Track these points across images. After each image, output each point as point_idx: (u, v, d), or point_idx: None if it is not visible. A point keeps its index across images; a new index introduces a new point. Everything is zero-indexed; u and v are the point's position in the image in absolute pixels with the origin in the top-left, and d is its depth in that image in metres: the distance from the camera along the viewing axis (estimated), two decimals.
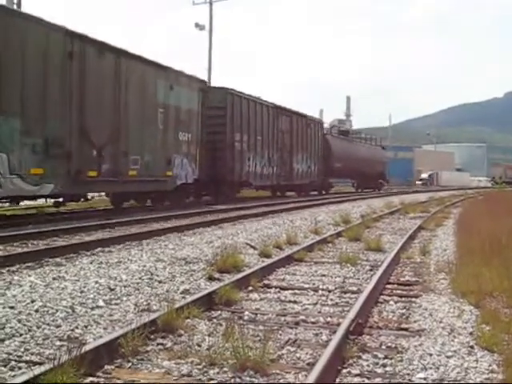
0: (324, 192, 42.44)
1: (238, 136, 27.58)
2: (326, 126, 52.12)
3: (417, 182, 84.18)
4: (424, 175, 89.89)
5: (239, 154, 27.84)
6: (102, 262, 9.27)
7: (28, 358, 4.65)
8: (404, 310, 6.56)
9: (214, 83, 35.08)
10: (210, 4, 42.19)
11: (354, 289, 7.70)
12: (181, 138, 22.63)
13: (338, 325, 5.53)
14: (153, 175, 20.58)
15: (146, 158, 20.09)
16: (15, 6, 24.26)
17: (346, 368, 4.60)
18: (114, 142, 18.30)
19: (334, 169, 43.24)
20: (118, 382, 4.20)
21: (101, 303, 6.57)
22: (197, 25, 41.94)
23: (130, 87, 19.08)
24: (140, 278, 8.00)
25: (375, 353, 4.94)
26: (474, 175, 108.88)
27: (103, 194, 24.37)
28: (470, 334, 5.50)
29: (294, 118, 35.48)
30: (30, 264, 9.03)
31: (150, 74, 20.50)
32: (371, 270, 9.12)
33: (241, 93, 28.39)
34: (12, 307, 6.13)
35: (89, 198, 20.38)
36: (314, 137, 39.14)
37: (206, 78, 33.90)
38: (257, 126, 29.76)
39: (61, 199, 17.98)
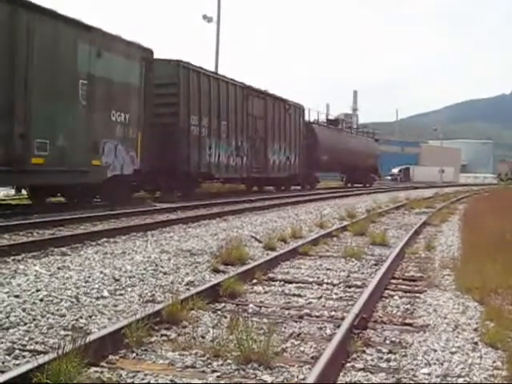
0: (309, 187, 38.32)
1: (195, 119, 23.38)
2: (330, 118, 51.43)
3: (386, 177, 73.23)
4: (394, 170, 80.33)
5: (197, 141, 23.52)
6: (107, 253, 9.29)
7: (32, 347, 4.65)
8: (408, 306, 6.55)
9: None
10: None
11: (359, 283, 7.68)
12: (114, 119, 17.91)
13: (343, 319, 5.52)
14: (71, 164, 16.22)
15: (60, 142, 15.83)
16: None
17: (349, 362, 4.59)
18: (7, 121, 14.18)
19: (321, 161, 39.28)
20: (122, 372, 4.20)
21: (105, 293, 6.58)
22: (204, 17, 41.80)
23: (34, 49, 14.74)
24: (145, 269, 8.01)
25: (379, 347, 4.93)
26: (479, 172, 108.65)
27: None
28: (475, 330, 5.49)
29: (270, 102, 31.17)
30: (35, 253, 9.05)
31: (67, 34, 16.04)
32: (376, 265, 9.11)
33: (199, 68, 24.22)
34: (17, 296, 6.15)
35: None
36: (294, 124, 34.84)
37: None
38: (221, 108, 25.43)
39: None
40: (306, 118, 39.37)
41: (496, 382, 4.30)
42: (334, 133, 43.90)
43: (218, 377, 4.19)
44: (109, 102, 17.73)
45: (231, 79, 26.82)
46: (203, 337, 5.04)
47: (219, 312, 5.98)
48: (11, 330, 5.02)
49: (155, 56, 20.71)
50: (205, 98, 24.20)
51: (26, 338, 4.84)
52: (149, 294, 6.69)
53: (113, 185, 18.12)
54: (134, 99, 19.13)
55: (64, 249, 9.62)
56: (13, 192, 20.91)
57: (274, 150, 31.67)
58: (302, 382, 4.09)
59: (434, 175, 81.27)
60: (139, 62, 19.28)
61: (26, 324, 5.24)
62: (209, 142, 24.61)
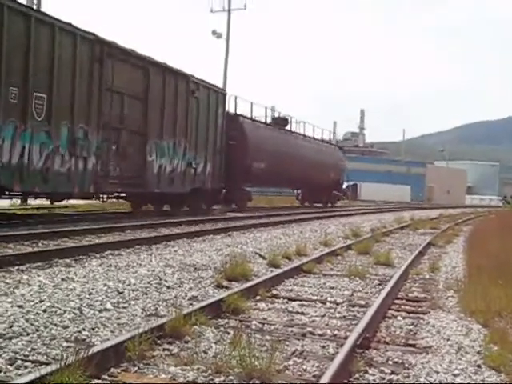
0: (235, 206, 28.36)
1: None
2: (338, 138, 49.11)
3: None
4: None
5: None
6: (111, 265, 9.30)
7: (34, 358, 4.65)
8: (412, 326, 6.53)
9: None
10: (228, 12, 42.31)
11: (362, 302, 7.67)
12: None
13: (346, 338, 5.51)
14: None
15: None
16: (35, 7, 24.44)
17: (352, 382, 4.58)
18: None
19: (253, 171, 28.43)
20: None
21: (109, 306, 6.58)
22: (214, 32, 42.06)
23: None
24: (148, 283, 8.01)
25: (382, 368, 4.91)
26: (485, 194, 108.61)
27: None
28: (478, 352, 5.47)
29: (157, 75, 20.13)
30: (39, 264, 9.06)
31: None
32: (380, 285, 9.09)
33: None
34: (20, 306, 6.16)
35: None
36: (206, 114, 23.58)
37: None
38: (32, 69, 14.57)
39: None
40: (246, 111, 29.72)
41: None
42: (275, 133, 32.72)
43: None
44: None
45: (67, 23, 15.90)
46: (206, 352, 5.03)
47: (222, 328, 5.97)
48: (14, 340, 5.02)
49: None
50: None
51: (29, 349, 4.83)
52: (152, 307, 6.68)
53: None
54: None
55: (68, 260, 9.63)
56: (19, 202, 20.99)
57: (161, 150, 20.58)
58: None
59: (387, 193, 74.91)
60: None
61: (28, 334, 5.24)
62: None
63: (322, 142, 41.75)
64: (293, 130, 36.60)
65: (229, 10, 42.39)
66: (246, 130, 28.14)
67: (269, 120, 34.54)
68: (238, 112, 28.78)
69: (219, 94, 24.94)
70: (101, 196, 19.27)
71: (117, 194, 20.50)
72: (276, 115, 36.52)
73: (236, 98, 28.20)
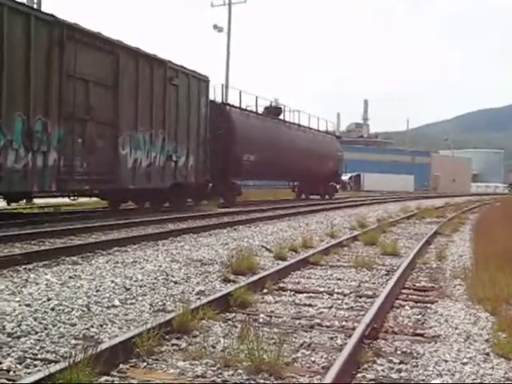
0: (222, 200, 26.05)
1: None
2: (342, 129, 48.36)
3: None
4: (345, 177, 62.32)
5: None
6: (117, 262, 9.31)
7: (43, 356, 4.66)
8: (419, 316, 6.52)
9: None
10: (229, 6, 42.23)
11: (370, 293, 7.66)
12: None
13: (353, 329, 5.51)
14: None
15: None
16: (35, 6, 24.40)
17: (360, 372, 4.57)
18: None
19: (243, 164, 27.03)
20: (133, 381, 4.20)
21: (116, 302, 6.58)
22: (215, 27, 41.98)
23: None
24: (155, 279, 8.02)
25: (390, 358, 4.91)
26: (490, 181, 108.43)
27: None
28: (486, 340, 5.46)
29: (129, 60, 18.46)
30: (46, 262, 9.07)
31: None
32: (387, 275, 9.09)
33: None
34: (28, 305, 6.16)
35: None
36: (187, 104, 21.73)
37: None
38: None
39: None
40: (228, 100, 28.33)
41: None
42: (267, 123, 30.90)
43: None
44: None
45: (19, 3, 14.63)
46: (214, 346, 5.04)
47: (230, 322, 5.98)
48: (22, 339, 5.03)
49: None
50: None
51: (38, 347, 4.84)
52: (159, 303, 6.69)
53: None
54: None
55: (75, 258, 9.64)
56: (23, 201, 20.99)
57: (136, 143, 18.88)
58: None
59: (391, 183, 74.27)
60: None
61: (37, 333, 5.25)
62: None
63: (318, 131, 39.70)
64: (287, 119, 35.00)
65: (229, 4, 42.33)
66: (233, 119, 26.77)
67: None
68: (233, 104, 27.61)
69: (201, 81, 22.82)
70: (67, 194, 17.86)
71: (88, 192, 18.79)
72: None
73: (223, 85, 26.63)
